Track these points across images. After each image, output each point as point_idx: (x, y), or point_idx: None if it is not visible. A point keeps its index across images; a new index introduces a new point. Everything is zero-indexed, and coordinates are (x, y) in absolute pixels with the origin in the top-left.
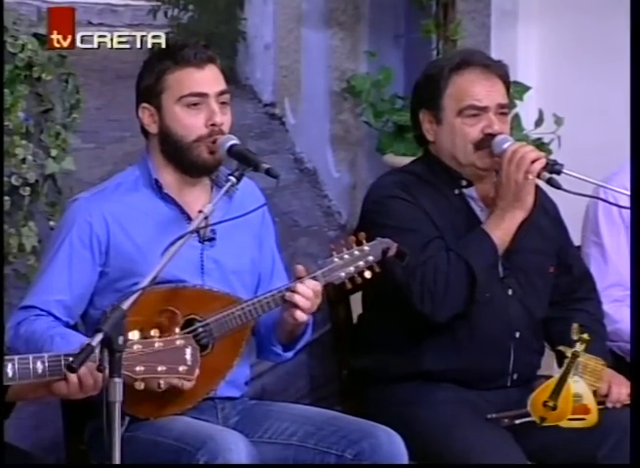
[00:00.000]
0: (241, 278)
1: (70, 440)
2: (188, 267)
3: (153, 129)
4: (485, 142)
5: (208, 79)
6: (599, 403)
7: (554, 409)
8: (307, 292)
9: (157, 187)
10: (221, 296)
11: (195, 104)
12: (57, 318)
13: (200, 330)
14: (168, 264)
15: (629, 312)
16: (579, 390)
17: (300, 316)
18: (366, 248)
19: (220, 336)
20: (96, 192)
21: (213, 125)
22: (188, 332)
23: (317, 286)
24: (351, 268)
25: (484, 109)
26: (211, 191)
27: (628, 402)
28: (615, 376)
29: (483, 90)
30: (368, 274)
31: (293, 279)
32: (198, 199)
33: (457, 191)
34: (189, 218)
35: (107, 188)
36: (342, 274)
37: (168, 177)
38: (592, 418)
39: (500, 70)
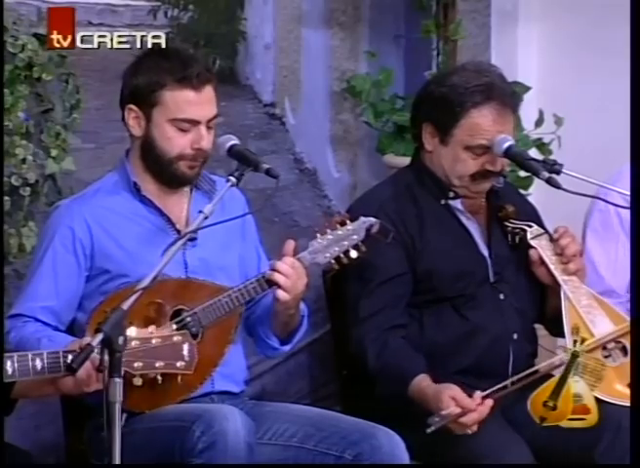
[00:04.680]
0: (228, 274)
1: (70, 440)
2: (172, 267)
3: (137, 132)
4: (483, 176)
5: (203, 104)
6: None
7: (554, 409)
8: (287, 270)
9: (135, 190)
10: (207, 285)
11: (186, 129)
12: (45, 323)
13: (188, 319)
14: (150, 263)
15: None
16: (579, 390)
17: (283, 295)
18: (349, 227)
19: (209, 325)
20: (75, 198)
21: (198, 149)
22: (177, 323)
23: (294, 262)
24: (336, 248)
25: (490, 148)
26: (190, 193)
27: (577, 254)
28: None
29: (495, 130)
30: (354, 253)
31: (279, 258)
32: (177, 202)
33: (443, 201)
34: (169, 220)
35: (87, 194)
36: (327, 255)
37: (147, 182)
38: (592, 418)
39: (513, 101)
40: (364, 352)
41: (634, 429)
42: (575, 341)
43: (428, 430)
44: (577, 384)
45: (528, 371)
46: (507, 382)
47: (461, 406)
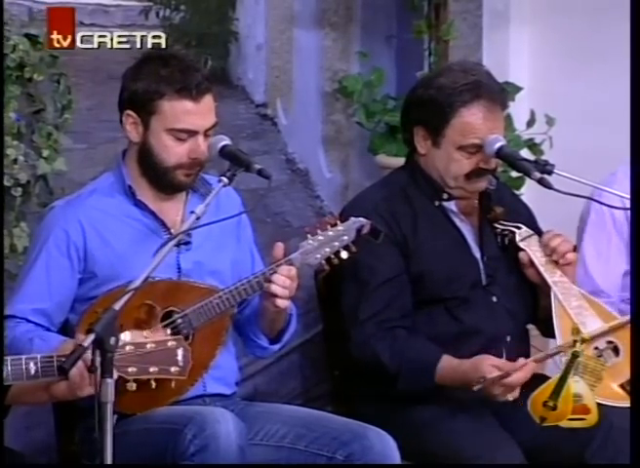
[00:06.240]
0: (220, 278)
1: (62, 440)
2: (165, 270)
3: (134, 137)
4: (477, 174)
5: (202, 114)
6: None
7: (554, 409)
8: (284, 282)
9: (131, 194)
10: (198, 287)
11: (184, 139)
12: (37, 324)
13: (179, 321)
14: (144, 267)
15: None
16: (579, 390)
17: (282, 303)
18: (340, 228)
19: (200, 326)
20: (70, 199)
21: (195, 158)
22: (167, 324)
23: (292, 270)
24: (327, 249)
25: (483, 146)
26: (186, 196)
27: (571, 255)
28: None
29: (486, 128)
30: (344, 254)
31: (271, 260)
32: (173, 206)
33: (437, 203)
34: (164, 224)
35: (82, 195)
36: (318, 255)
37: (142, 187)
38: (592, 418)
39: (502, 98)
40: (374, 352)
41: (634, 429)
42: (575, 341)
43: (475, 388)
44: (577, 384)
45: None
46: (548, 351)
47: (505, 370)
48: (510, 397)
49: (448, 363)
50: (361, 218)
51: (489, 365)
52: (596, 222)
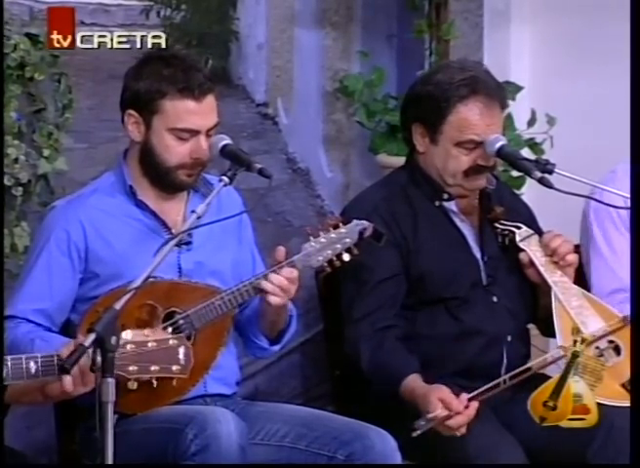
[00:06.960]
0: (221, 278)
1: (63, 440)
2: (166, 270)
3: (136, 137)
4: (476, 171)
5: (204, 114)
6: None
7: (554, 409)
8: (281, 282)
9: (132, 194)
10: (199, 287)
11: (185, 138)
12: (38, 324)
13: (181, 321)
14: (144, 267)
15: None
16: (579, 390)
17: (274, 300)
18: (342, 230)
19: (202, 327)
20: (71, 199)
21: (197, 158)
22: (169, 325)
23: (294, 273)
24: (329, 251)
25: (481, 142)
26: (187, 196)
27: (572, 257)
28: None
29: (484, 124)
30: (346, 257)
31: (272, 261)
32: (174, 206)
33: (437, 203)
34: (165, 224)
35: (83, 195)
36: (320, 258)
37: (143, 187)
38: (592, 418)
39: (501, 95)
40: (358, 352)
41: (634, 429)
42: (575, 341)
43: (414, 433)
44: (577, 384)
45: (516, 371)
46: (495, 382)
47: (449, 408)
48: (458, 433)
49: (412, 383)
50: (364, 221)
51: (436, 398)
52: (602, 220)
